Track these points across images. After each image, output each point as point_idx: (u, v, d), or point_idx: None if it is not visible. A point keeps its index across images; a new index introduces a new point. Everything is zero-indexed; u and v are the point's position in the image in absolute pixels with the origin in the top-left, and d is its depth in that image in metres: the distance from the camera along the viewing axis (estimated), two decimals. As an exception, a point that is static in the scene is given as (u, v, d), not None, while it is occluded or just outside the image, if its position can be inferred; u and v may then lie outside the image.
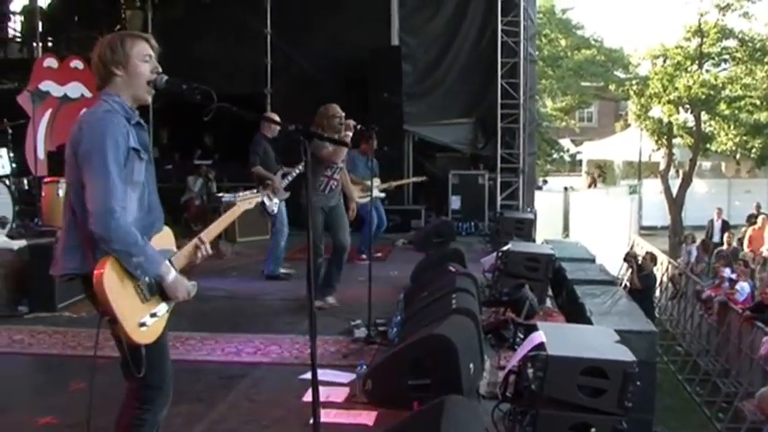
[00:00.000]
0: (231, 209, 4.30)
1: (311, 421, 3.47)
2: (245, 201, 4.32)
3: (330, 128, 8.04)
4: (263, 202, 9.41)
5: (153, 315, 3.57)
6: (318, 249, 8.35)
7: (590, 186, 36.68)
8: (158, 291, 3.60)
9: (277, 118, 8.33)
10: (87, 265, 3.48)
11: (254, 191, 4.55)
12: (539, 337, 4.71)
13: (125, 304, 3.45)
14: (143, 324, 3.50)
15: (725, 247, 19.96)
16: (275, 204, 9.66)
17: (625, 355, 4.57)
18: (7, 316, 8.13)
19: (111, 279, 3.40)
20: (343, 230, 8.61)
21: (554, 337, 4.74)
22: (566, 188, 33.07)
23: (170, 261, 3.69)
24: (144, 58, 3.63)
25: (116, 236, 3.38)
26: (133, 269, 3.43)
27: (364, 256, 9.18)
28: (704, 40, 28.91)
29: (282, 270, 10.15)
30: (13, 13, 18.50)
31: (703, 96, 27.87)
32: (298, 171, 9.69)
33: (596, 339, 5.02)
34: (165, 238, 3.78)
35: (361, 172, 10.81)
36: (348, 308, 8.33)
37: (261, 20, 15.58)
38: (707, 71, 29.41)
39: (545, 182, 35.92)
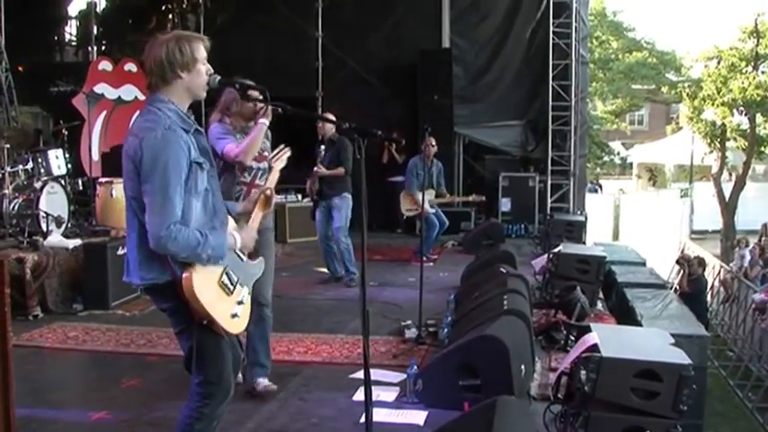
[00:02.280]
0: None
1: (361, 420, 3.48)
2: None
3: (238, 114, 5.74)
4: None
5: (240, 303, 3.74)
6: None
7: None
8: (239, 278, 3.79)
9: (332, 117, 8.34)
10: (167, 273, 3.54)
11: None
12: (592, 338, 4.67)
13: (216, 302, 3.60)
14: (235, 315, 3.68)
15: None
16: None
17: (680, 357, 4.50)
18: (62, 313, 8.30)
19: (199, 284, 3.51)
20: (266, 281, 5.51)
21: (608, 338, 4.69)
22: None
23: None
24: (204, 60, 3.66)
25: (179, 249, 3.46)
26: (205, 263, 3.54)
27: (425, 258, 9.10)
28: (760, 40, 28.44)
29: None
30: (71, 18, 18.83)
31: (758, 98, 27.40)
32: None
33: (650, 341, 4.95)
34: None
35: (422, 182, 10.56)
36: (399, 308, 8.38)
37: (312, 23, 15.67)
38: (762, 72, 28.92)
39: (600, 185, 35.62)
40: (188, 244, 3.46)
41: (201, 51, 3.65)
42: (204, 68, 3.66)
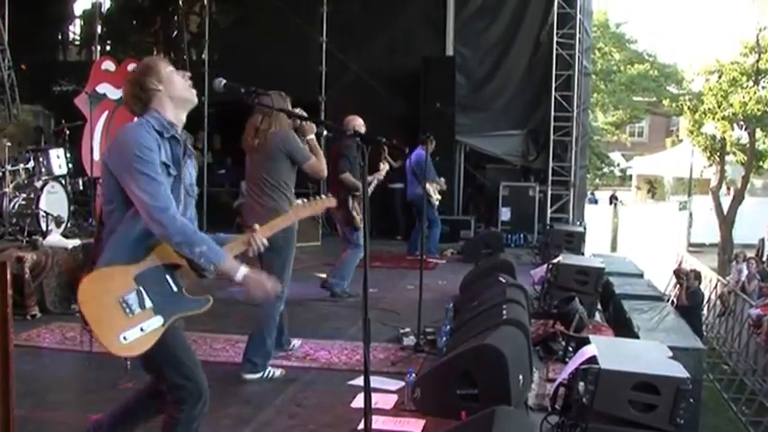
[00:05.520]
0: (291, 211, 4.24)
1: (359, 427, 3.47)
2: (308, 207, 4.18)
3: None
4: (353, 216, 9.06)
5: (141, 330, 3.46)
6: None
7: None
8: (154, 305, 3.51)
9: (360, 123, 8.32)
10: None
11: (316, 198, 4.33)
12: (591, 350, 4.68)
13: (101, 316, 3.42)
14: (124, 338, 3.42)
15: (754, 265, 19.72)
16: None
17: (678, 371, 4.51)
18: (60, 313, 8.27)
19: (87, 291, 3.42)
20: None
21: (606, 350, 4.70)
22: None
23: None
24: (172, 72, 3.69)
25: (174, 229, 3.42)
26: (197, 258, 3.46)
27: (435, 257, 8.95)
28: (762, 56, 28.47)
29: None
30: (76, 17, 18.88)
31: (759, 113, 27.43)
32: (377, 180, 9.54)
33: (649, 354, 4.96)
34: None
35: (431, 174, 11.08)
36: (397, 315, 8.37)
37: (316, 27, 15.69)
38: (763, 87, 28.94)
39: (616, 198, 35.48)
40: (185, 226, 3.46)
41: (165, 66, 3.68)
42: (180, 73, 3.69)
